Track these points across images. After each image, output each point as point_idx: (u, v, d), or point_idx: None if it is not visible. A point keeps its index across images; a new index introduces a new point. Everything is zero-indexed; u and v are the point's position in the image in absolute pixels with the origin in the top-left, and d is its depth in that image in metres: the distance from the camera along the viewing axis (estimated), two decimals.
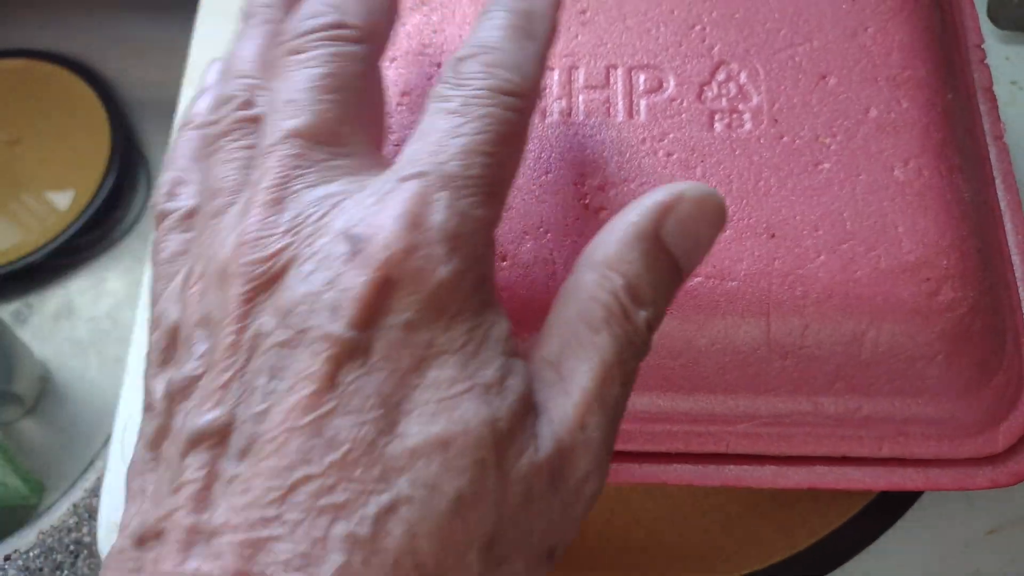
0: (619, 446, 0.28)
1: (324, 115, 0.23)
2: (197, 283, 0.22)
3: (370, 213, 0.21)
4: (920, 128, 0.29)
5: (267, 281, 0.21)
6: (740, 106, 0.29)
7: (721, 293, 0.27)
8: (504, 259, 0.28)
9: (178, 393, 0.21)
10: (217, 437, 0.20)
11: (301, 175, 0.22)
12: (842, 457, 0.28)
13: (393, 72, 0.31)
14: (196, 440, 0.20)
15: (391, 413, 0.20)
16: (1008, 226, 0.30)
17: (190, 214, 0.25)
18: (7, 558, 0.42)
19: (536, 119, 0.29)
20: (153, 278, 0.25)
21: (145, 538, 0.20)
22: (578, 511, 0.21)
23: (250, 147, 0.24)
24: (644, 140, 0.29)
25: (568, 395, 0.21)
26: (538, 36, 0.24)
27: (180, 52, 0.45)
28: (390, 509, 0.19)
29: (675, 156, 0.29)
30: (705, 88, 0.30)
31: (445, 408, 0.20)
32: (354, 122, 0.23)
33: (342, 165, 0.22)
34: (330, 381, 0.19)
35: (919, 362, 0.27)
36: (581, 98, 0.30)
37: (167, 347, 0.22)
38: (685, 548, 0.34)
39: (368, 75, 0.24)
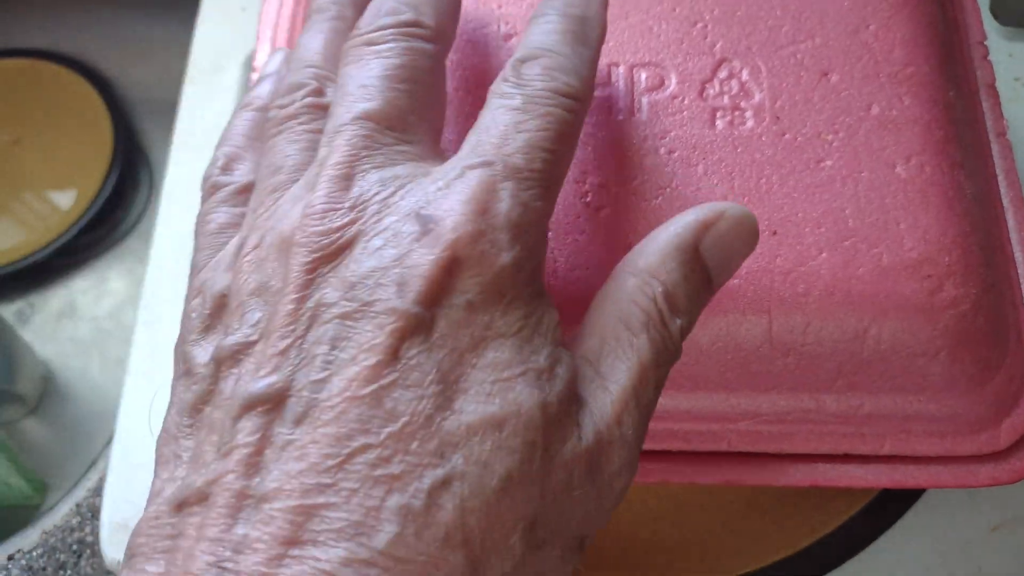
0: None
1: (394, 102, 0.24)
2: (251, 252, 0.23)
3: (438, 197, 0.22)
4: (922, 125, 0.29)
5: (332, 253, 0.21)
6: (742, 103, 0.29)
7: (723, 291, 0.27)
8: None
9: (228, 359, 0.21)
10: (272, 403, 0.20)
11: (369, 155, 0.23)
12: (844, 455, 0.28)
13: None
14: (250, 404, 0.20)
15: (449, 390, 0.20)
16: (1011, 223, 0.30)
17: (243, 190, 0.26)
18: (10, 558, 0.42)
19: None
20: (197, 248, 0.26)
21: (186, 503, 0.20)
22: (609, 504, 0.22)
23: (315, 131, 0.25)
24: (646, 138, 0.29)
25: (607, 391, 0.22)
26: (591, 42, 0.25)
27: (182, 51, 0.45)
28: (444, 483, 0.19)
29: (677, 154, 0.29)
30: (707, 85, 0.30)
31: (500, 389, 0.20)
32: (420, 113, 0.24)
33: (407, 151, 0.23)
34: (393, 354, 0.20)
35: (921, 359, 0.27)
36: None
37: (212, 315, 0.23)
38: (686, 546, 0.34)
39: (436, 71, 0.26)
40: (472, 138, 0.23)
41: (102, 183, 0.62)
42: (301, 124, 0.25)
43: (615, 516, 0.23)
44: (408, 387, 0.20)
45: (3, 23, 0.69)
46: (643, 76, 0.30)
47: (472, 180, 0.22)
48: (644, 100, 0.30)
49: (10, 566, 0.42)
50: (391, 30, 0.25)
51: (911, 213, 0.27)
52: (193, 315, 0.24)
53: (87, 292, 0.61)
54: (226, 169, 0.27)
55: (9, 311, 0.61)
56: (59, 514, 0.43)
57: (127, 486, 0.36)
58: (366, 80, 0.24)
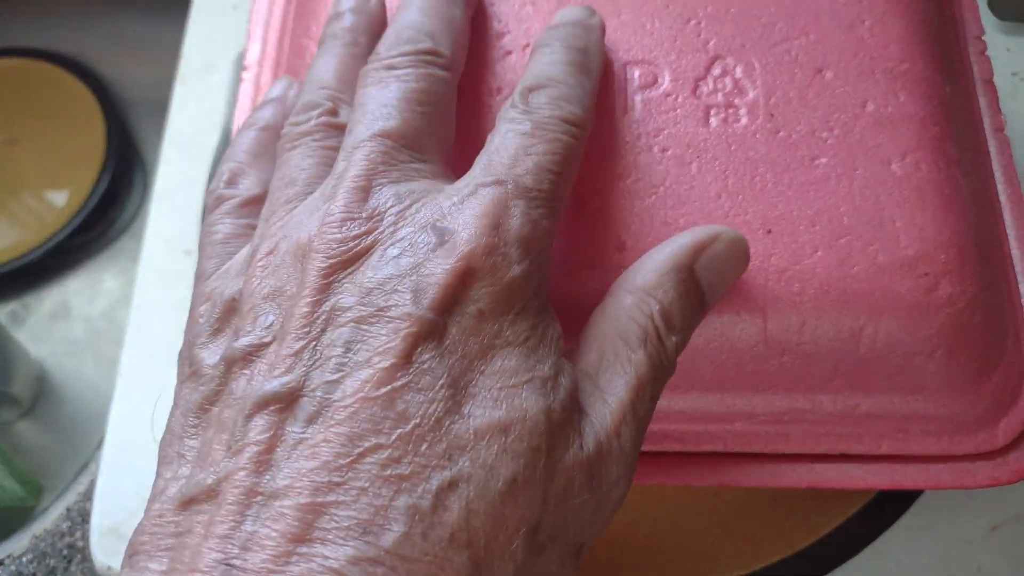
0: None
1: (412, 122, 0.25)
2: (265, 259, 0.23)
3: (454, 211, 0.23)
4: (918, 122, 0.28)
5: (348, 260, 0.22)
6: (736, 101, 0.29)
7: None
8: None
9: (240, 360, 0.22)
10: (285, 402, 0.21)
11: (386, 170, 0.24)
12: (841, 455, 0.28)
13: None
14: (263, 403, 0.21)
15: (458, 395, 0.21)
16: (1008, 220, 0.30)
17: (247, 202, 0.27)
18: (0, 563, 0.42)
19: None
20: (203, 257, 0.26)
21: (193, 500, 0.20)
22: (607, 513, 0.23)
23: (329, 148, 0.26)
24: (639, 136, 0.29)
25: (606, 404, 0.23)
26: (592, 72, 0.28)
27: (176, 50, 0.45)
28: (451, 485, 0.20)
29: (670, 152, 0.28)
30: (700, 83, 0.29)
31: (507, 395, 0.21)
32: (434, 134, 0.26)
33: (421, 169, 0.25)
34: (406, 358, 0.21)
35: (918, 358, 0.27)
36: None
37: (221, 319, 0.24)
38: (683, 548, 0.33)
39: (449, 96, 0.27)
40: (483, 159, 0.25)
41: (95, 183, 0.62)
42: (316, 141, 0.27)
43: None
44: (420, 390, 0.21)
45: None
46: (636, 74, 0.30)
47: (485, 197, 0.23)
48: (637, 98, 0.29)
49: (0, 571, 0.42)
50: (410, 56, 0.27)
51: (907, 211, 0.27)
52: (201, 320, 0.24)
53: (81, 292, 0.61)
54: (231, 183, 0.28)
55: (2, 312, 0.61)
56: (49, 519, 0.43)
57: (118, 490, 0.35)
58: (386, 100, 0.25)
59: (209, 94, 0.43)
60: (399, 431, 0.20)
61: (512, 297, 0.22)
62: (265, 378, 0.21)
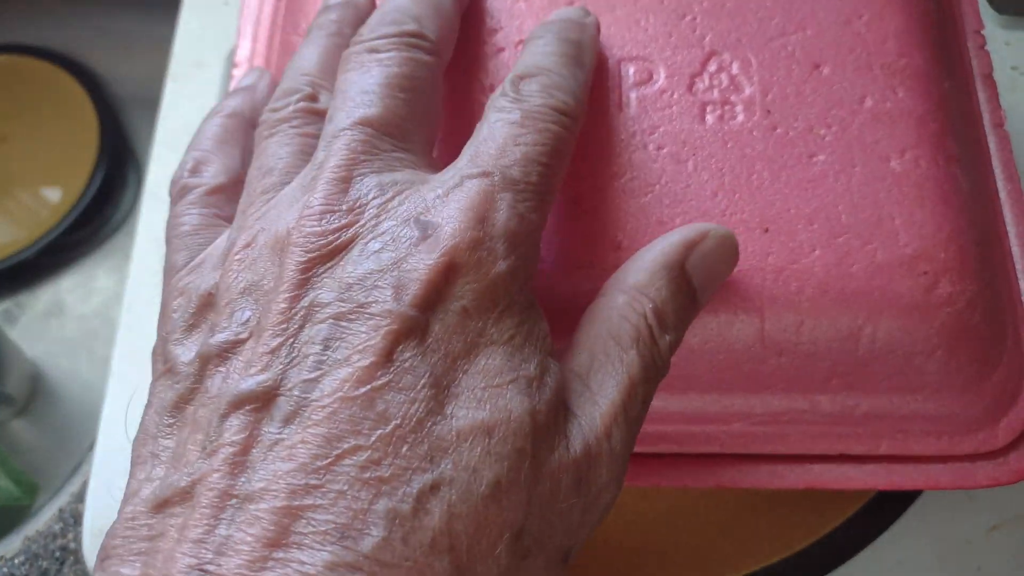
0: None
1: (394, 110, 0.24)
2: (242, 252, 0.23)
3: (438, 204, 0.22)
4: (917, 117, 0.28)
5: (328, 254, 0.22)
6: (732, 97, 0.29)
7: None
8: None
9: (215, 356, 0.21)
10: (261, 401, 0.20)
11: (367, 160, 0.23)
12: (839, 455, 0.28)
13: None
14: (238, 402, 0.20)
15: (440, 395, 0.20)
16: (1008, 217, 0.30)
17: (212, 191, 0.27)
18: None
19: None
20: (171, 250, 0.26)
21: (167, 503, 0.20)
22: (595, 517, 0.22)
23: (307, 135, 0.26)
24: (634, 134, 0.28)
25: (596, 405, 0.22)
26: (586, 65, 0.27)
27: (169, 48, 0.45)
28: (433, 488, 0.19)
29: (666, 150, 0.28)
30: (696, 79, 0.29)
31: (491, 396, 0.21)
32: (417, 122, 0.25)
33: (404, 158, 0.24)
34: (387, 356, 0.20)
35: (917, 358, 0.27)
36: None
37: (197, 313, 0.23)
38: (680, 550, 0.33)
39: (434, 82, 0.26)
40: (470, 149, 0.24)
41: (89, 180, 0.62)
42: (293, 127, 0.26)
43: (608, 520, 0.23)
44: (401, 390, 0.20)
45: None
46: (631, 70, 0.29)
47: (471, 189, 0.22)
48: (632, 95, 0.29)
49: None
50: (394, 39, 0.26)
51: (906, 208, 0.27)
52: (175, 315, 0.23)
53: (75, 290, 0.61)
54: (195, 172, 0.27)
55: None
56: (42, 520, 0.43)
57: (110, 491, 0.35)
58: (367, 86, 0.25)
59: (200, 91, 0.43)
60: (379, 432, 0.19)
61: (497, 294, 0.22)
62: (241, 376, 0.20)
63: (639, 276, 0.24)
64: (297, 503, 0.19)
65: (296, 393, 0.20)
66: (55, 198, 0.62)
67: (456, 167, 0.23)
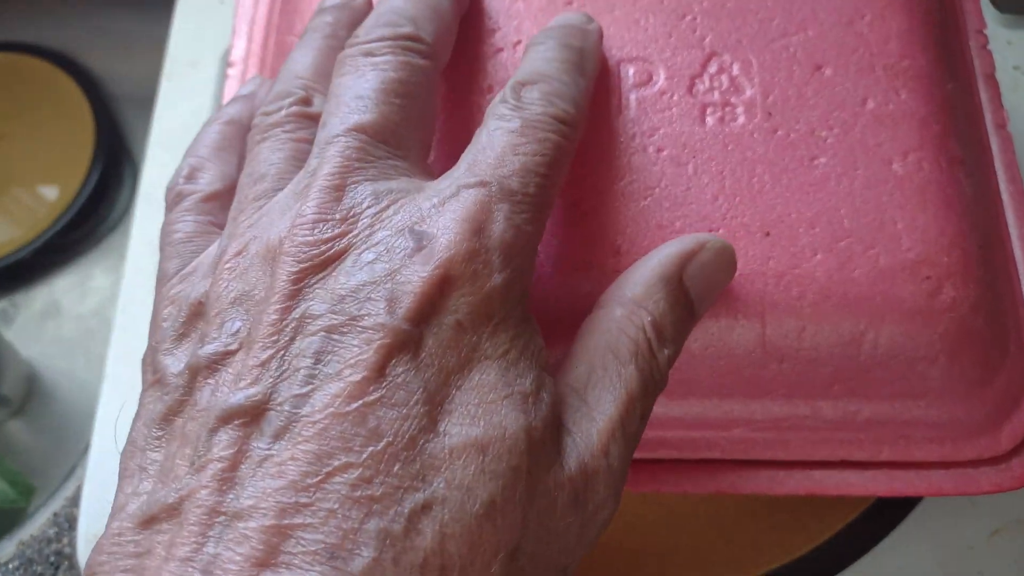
0: None
1: (389, 116, 0.24)
2: (233, 260, 0.22)
3: (433, 214, 0.22)
4: (919, 119, 0.28)
5: (320, 264, 0.21)
6: (733, 99, 0.28)
7: None
8: None
9: (205, 368, 0.21)
10: (251, 416, 0.20)
11: (361, 167, 0.23)
12: (840, 461, 0.28)
13: None
14: (227, 417, 0.20)
15: (434, 411, 0.20)
16: (1011, 219, 0.29)
17: (208, 198, 0.26)
18: None
19: None
20: (164, 257, 0.25)
21: (155, 519, 0.19)
22: (592, 534, 0.22)
23: (300, 140, 0.25)
24: (634, 136, 0.28)
25: (593, 421, 0.22)
26: (588, 72, 0.26)
27: (164, 47, 0.44)
28: (425, 508, 0.19)
29: (666, 152, 0.28)
30: (696, 81, 0.29)
31: (485, 412, 0.20)
32: (412, 128, 0.25)
33: (399, 166, 0.23)
34: (379, 371, 0.20)
35: (920, 363, 0.26)
36: None
37: (187, 323, 0.23)
38: (681, 555, 0.33)
39: (429, 87, 0.26)
40: (468, 156, 0.23)
41: (85, 179, 0.61)
42: (286, 132, 0.25)
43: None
44: (393, 406, 0.19)
45: None
46: (630, 71, 0.29)
47: (468, 199, 0.22)
48: (632, 96, 0.28)
49: None
50: (389, 42, 0.25)
51: (909, 212, 0.27)
52: (165, 324, 0.23)
53: (71, 290, 0.61)
54: (190, 178, 0.27)
55: None
56: (36, 524, 0.42)
57: (105, 496, 0.35)
58: (362, 91, 0.24)
59: (195, 90, 0.42)
60: (371, 449, 0.19)
61: (492, 307, 0.21)
62: (231, 389, 0.20)
63: (637, 289, 0.24)
64: (287, 522, 0.18)
65: (286, 408, 0.19)
66: (51, 196, 0.62)
67: (453, 176, 0.23)
